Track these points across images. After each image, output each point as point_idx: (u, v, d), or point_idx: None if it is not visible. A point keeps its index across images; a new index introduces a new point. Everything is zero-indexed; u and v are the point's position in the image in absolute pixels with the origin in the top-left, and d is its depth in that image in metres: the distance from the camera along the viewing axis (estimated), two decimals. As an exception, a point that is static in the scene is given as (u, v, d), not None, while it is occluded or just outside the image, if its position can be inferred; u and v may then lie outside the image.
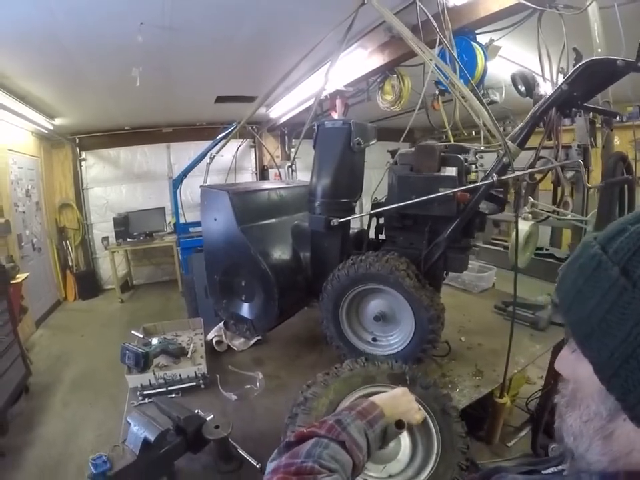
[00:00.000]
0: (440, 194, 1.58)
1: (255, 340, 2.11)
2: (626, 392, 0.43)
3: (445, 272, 1.82)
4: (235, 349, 2.07)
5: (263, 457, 1.22)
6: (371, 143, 1.93)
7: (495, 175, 1.52)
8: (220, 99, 5.22)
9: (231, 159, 5.22)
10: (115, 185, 7.04)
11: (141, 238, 6.67)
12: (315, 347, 2.04)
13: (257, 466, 1.24)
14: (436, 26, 1.89)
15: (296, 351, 2.04)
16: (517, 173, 1.58)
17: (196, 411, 1.36)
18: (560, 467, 0.64)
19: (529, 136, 1.56)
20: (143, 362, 1.70)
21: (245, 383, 1.73)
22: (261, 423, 1.50)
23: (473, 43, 2.71)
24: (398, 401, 0.97)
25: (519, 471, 0.70)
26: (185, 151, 7.02)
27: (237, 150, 5.88)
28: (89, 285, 6.75)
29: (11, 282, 4.21)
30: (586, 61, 1.42)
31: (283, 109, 5.57)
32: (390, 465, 1.04)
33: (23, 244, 5.30)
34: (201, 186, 2.10)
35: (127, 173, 7.11)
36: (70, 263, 6.70)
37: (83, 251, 7.00)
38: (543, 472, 0.66)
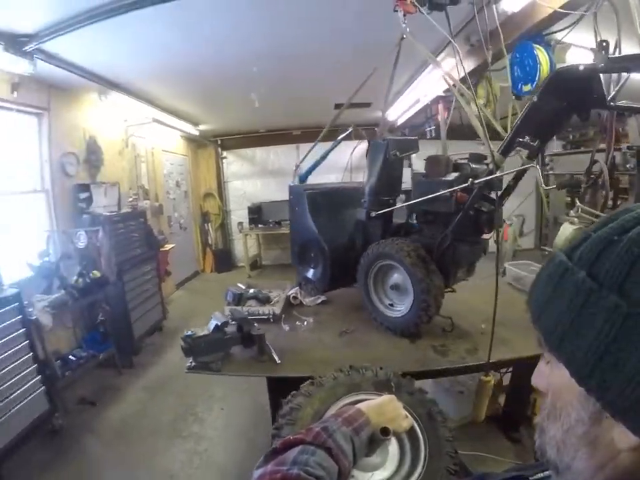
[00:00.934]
0: (437, 194, 2.03)
1: (320, 300, 2.80)
2: (604, 390, 0.42)
3: (460, 264, 2.22)
4: (304, 303, 2.77)
5: (285, 358, 1.99)
6: (409, 153, 2.45)
7: (471, 179, 1.90)
8: (337, 106, 5.94)
9: (348, 159, 5.87)
10: (250, 179, 8.26)
11: (271, 225, 7.76)
12: (358, 310, 2.59)
13: (278, 361, 1.95)
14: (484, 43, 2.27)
15: (343, 313, 2.63)
16: (496, 175, 1.89)
17: (255, 324, 2.10)
18: (547, 473, 0.62)
19: (511, 146, 1.81)
20: (237, 299, 2.63)
21: (298, 322, 2.46)
22: (295, 344, 2.18)
23: (536, 46, 2.83)
24: (384, 408, 0.99)
25: (505, 476, 0.71)
26: (311, 151, 7.89)
27: (353, 151, 6.48)
28: (224, 261, 8.10)
29: (160, 249, 5.48)
30: (552, 72, 1.66)
31: (398, 111, 6.05)
32: (377, 472, 1.04)
33: (172, 223, 6.74)
34: (289, 184, 2.93)
35: (262, 170, 8.29)
36: (210, 242, 8.14)
37: (221, 232, 8.41)
38: (531, 478, 0.67)
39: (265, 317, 2.48)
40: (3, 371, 2.87)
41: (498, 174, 1.93)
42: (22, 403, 2.99)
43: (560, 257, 0.50)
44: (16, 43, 2.94)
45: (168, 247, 5.92)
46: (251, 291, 2.85)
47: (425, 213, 2.23)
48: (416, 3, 2.11)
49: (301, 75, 4.28)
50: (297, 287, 2.86)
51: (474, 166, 2.12)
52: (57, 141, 4.23)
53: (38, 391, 3.18)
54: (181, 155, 7.51)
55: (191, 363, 1.98)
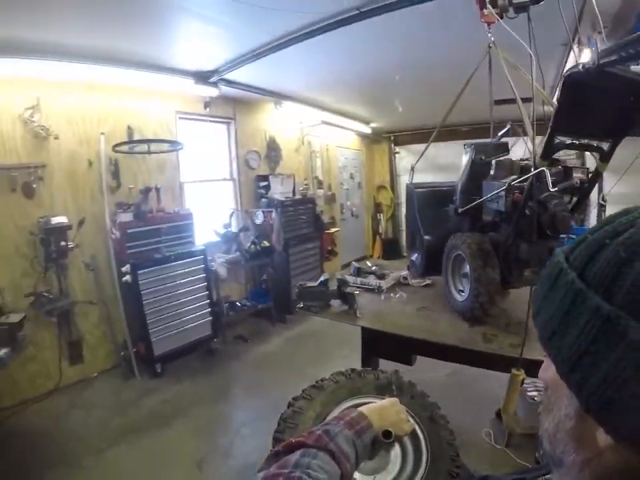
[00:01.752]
0: (492, 194, 2.26)
1: (425, 283, 3.20)
2: (582, 387, 0.44)
3: (526, 263, 2.25)
4: (411, 284, 3.20)
5: (366, 315, 2.53)
6: (497, 157, 2.54)
7: (508, 182, 2.09)
8: (497, 102, 6.05)
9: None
10: (420, 174, 8.66)
11: (442, 219, 8.14)
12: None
13: (358, 315, 2.54)
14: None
15: (435, 295, 2.97)
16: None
17: (356, 292, 2.72)
18: (547, 477, 0.64)
19: (549, 149, 1.86)
20: (357, 271, 3.31)
21: (392, 294, 2.96)
22: (381, 309, 2.70)
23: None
24: (387, 411, 0.99)
25: (508, 479, 0.73)
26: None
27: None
28: (392, 249, 8.77)
29: (325, 231, 6.53)
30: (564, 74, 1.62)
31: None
32: (379, 475, 1.05)
33: (343, 210, 7.76)
34: (406, 183, 3.48)
35: (431, 165, 8.61)
36: (380, 231, 8.92)
37: (392, 222, 9.09)
38: None
39: (372, 288, 3.04)
40: (187, 299, 4.28)
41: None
42: (194, 324, 4.35)
43: (558, 256, 0.51)
44: (203, 77, 4.31)
45: (332, 230, 6.94)
46: (373, 267, 3.48)
47: (497, 212, 2.37)
48: (494, 13, 2.22)
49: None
50: (407, 271, 3.31)
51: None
52: (242, 142, 5.64)
53: (206, 320, 4.49)
54: (355, 150, 8.51)
55: (300, 304, 2.75)
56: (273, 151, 6.20)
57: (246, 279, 5.75)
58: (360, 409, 0.97)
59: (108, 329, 4.18)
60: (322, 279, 2.76)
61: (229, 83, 4.58)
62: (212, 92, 4.62)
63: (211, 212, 5.31)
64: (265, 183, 5.91)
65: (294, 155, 6.59)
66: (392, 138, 8.74)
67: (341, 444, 0.80)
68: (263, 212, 5.70)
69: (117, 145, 3.88)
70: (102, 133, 3.96)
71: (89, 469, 2.72)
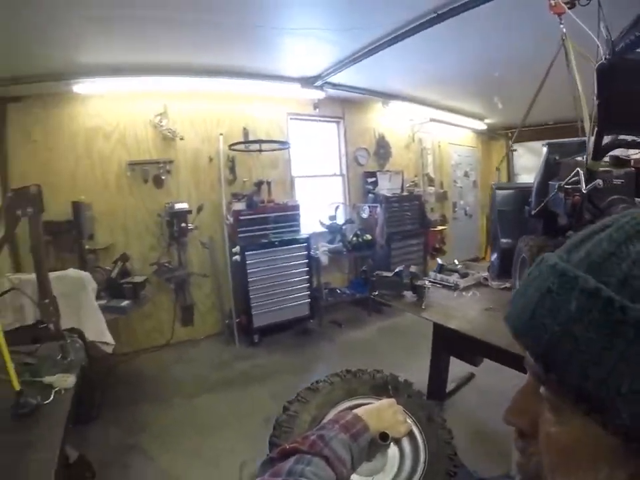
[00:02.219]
0: (550, 196, 2.30)
1: (504, 285, 3.11)
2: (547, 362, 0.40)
3: None
4: (490, 285, 3.18)
5: (432, 308, 2.66)
6: (573, 157, 2.53)
7: (559, 183, 2.13)
8: None
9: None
10: (532, 174, 8.12)
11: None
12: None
13: (423, 307, 2.70)
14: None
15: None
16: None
17: (426, 282, 2.92)
18: None
19: (598, 149, 1.85)
20: (439, 269, 3.40)
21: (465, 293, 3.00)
22: (449, 304, 2.77)
23: None
24: (383, 413, 0.98)
25: None
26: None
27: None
28: (508, 252, 8.36)
29: (431, 228, 6.60)
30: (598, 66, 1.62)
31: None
32: (377, 476, 1.04)
33: (456, 209, 7.67)
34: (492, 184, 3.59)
35: (544, 164, 8.06)
36: (496, 231, 8.56)
37: (509, 224, 8.64)
38: None
39: (449, 285, 3.14)
40: (288, 281, 4.84)
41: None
42: (293, 304, 4.88)
43: (553, 260, 0.44)
44: (308, 82, 4.79)
45: (439, 228, 6.94)
46: (459, 266, 3.53)
47: (569, 215, 2.29)
48: (562, 3, 2.27)
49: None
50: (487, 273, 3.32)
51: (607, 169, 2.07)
52: (351, 140, 6.01)
53: (304, 301, 4.98)
54: (470, 147, 8.26)
55: (375, 292, 3.04)
56: (382, 148, 6.45)
57: (349, 269, 6.12)
58: (356, 411, 0.95)
59: (217, 300, 4.93)
60: (397, 269, 2.94)
61: (334, 85, 4.97)
62: (319, 95, 5.11)
63: (319, 204, 5.76)
64: (373, 179, 6.18)
65: (404, 152, 6.75)
66: (509, 135, 8.31)
67: (336, 449, 0.79)
68: (369, 207, 6.00)
69: (232, 145, 4.57)
70: (220, 134, 4.64)
71: (176, 407, 3.40)
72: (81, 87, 3.97)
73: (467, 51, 4.02)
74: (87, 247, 3.89)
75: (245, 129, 4.92)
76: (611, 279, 0.38)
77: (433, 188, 7.17)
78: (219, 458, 2.67)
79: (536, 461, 0.45)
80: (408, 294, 2.86)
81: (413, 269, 2.98)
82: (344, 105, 5.85)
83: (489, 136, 8.60)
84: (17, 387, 1.54)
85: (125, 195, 4.41)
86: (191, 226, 4.42)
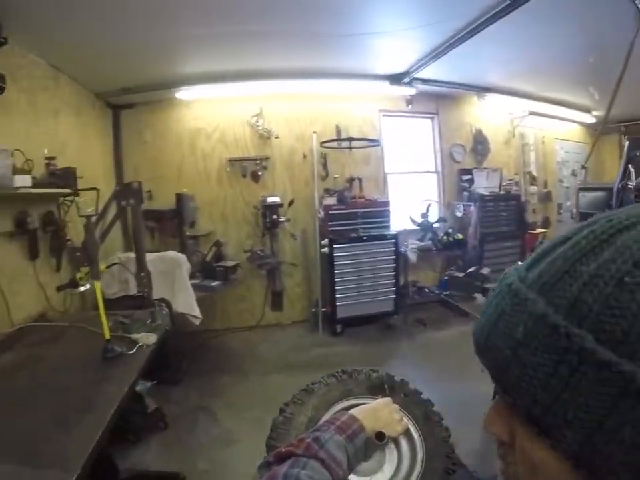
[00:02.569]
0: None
1: None
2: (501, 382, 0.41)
3: None
4: None
5: None
6: None
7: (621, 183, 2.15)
8: None
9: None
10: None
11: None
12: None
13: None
14: None
15: None
16: None
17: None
18: None
19: None
20: None
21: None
22: None
23: None
24: (379, 413, 0.99)
25: None
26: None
27: None
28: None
29: (529, 231, 6.32)
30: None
31: None
32: (375, 476, 1.04)
33: (561, 211, 7.15)
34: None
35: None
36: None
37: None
38: None
39: None
40: (374, 276, 4.95)
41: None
42: (377, 299, 4.97)
43: (512, 279, 0.44)
44: (396, 78, 4.85)
45: (540, 231, 6.55)
46: None
47: None
48: None
49: None
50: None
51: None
52: (446, 136, 5.94)
53: (389, 297, 5.04)
54: (579, 143, 7.60)
55: (447, 291, 3.14)
56: (479, 144, 6.25)
57: (440, 268, 6.03)
58: (351, 411, 0.96)
59: (306, 289, 5.24)
60: (469, 270, 2.92)
61: (424, 81, 4.98)
62: (409, 91, 5.13)
63: (411, 201, 5.77)
64: (468, 177, 6.04)
65: (503, 148, 6.47)
66: (622, 129, 7.43)
67: (332, 450, 0.79)
68: (464, 205, 5.88)
69: (323, 142, 4.81)
70: (314, 132, 4.91)
71: (252, 381, 3.76)
72: (182, 93, 4.55)
73: (555, 36, 3.80)
74: (187, 232, 4.42)
75: (337, 126, 5.11)
76: (561, 301, 0.38)
77: (535, 187, 6.76)
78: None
79: (514, 470, 0.46)
80: (478, 296, 2.81)
81: (485, 270, 2.94)
82: (438, 100, 5.80)
83: (601, 130, 7.85)
84: (107, 336, 2.04)
85: (225, 188, 4.93)
86: (282, 218, 4.73)
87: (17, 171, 2.66)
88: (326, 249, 4.72)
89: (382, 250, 4.96)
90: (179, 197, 4.41)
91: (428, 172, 6.10)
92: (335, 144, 4.94)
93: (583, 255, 0.38)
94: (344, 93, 5.08)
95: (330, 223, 4.85)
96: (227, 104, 4.85)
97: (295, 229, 5.01)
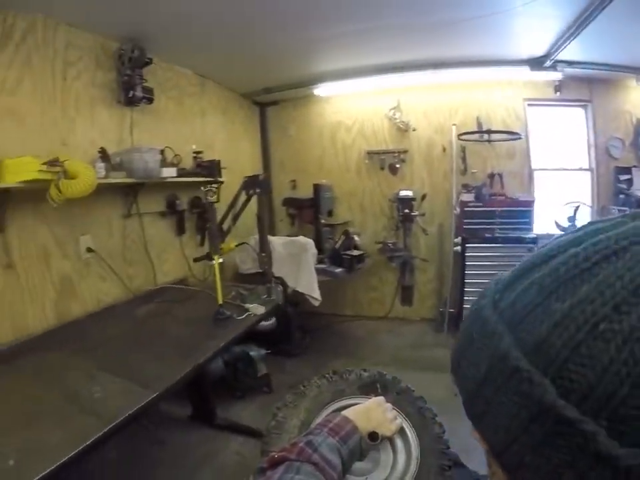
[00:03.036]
0: None
1: None
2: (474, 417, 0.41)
3: None
4: None
5: None
6: None
7: None
8: None
9: None
10: None
11: None
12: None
13: None
14: None
15: None
16: None
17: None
18: None
19: None
20: None
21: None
22: None
23: None
24: (371, 413, 1.01)
25: None
26: None
27: None
28: None
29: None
30: None
31: None
32: (371, 476, 1.04)
33: None
34: None
35: None
36: None
37: None
38: None
39: None
40: None
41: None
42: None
43: (484, 305, 0.43)
44: (536, 62, 4.62)
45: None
46: None
47: None
48: None
49: None
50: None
51: None
52: (601, 127, 5.55)
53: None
54: None
55: None
56: (640, 138, 5.54)
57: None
58: (344, 412, 0.98)
59: (438, 286, 5.38)
60: None
61: (570, 63, 4.62)
62: (554, 75, 4.80)
63: (558, 202, 5.34)
64: (627, 177, 5.45)
65: (672, 143, 5.66)
66: None
67: (325, 454, 0.80)
68: (618, 210, 5.26)
69: (460, 135, 4.88)
70: (453, 124, 5.01)
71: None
72: (319, 90, 5.03)
73: None
74: (323, 220, 4.90)
75: (478, 118, 5.02)
76: (529, 339, 0.35)
77: None
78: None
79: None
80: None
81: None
82: (591, 86, 5.41)
83: None
84: (220, 301, 2.59)
85: (363, 180, 5.32)
86: (415, 212, 4.95)
87: (165, 164, 3.47)
88: (458, 248, 4.72)
89: (518, 254, 4.68)
90: (316, 187, 4.90)
91: (581, 169, 5.51)
92: (475, 137, 4.91)
93: (559, 286, 0.35)
94: (483, 81, 5.03)
95: (465, 221, 4.83)
96: (364, 98, 5.21)
97: (430, 223, 5.18)
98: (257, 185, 2.80)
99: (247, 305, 2.75)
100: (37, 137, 2.64)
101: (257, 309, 2.70)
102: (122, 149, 3.16)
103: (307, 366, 4.01)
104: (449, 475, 1.01)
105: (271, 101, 5.43)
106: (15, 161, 2.23)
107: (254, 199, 2.91)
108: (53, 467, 1.28)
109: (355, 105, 5.24)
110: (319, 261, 4.39)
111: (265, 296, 2.97)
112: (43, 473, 1.25)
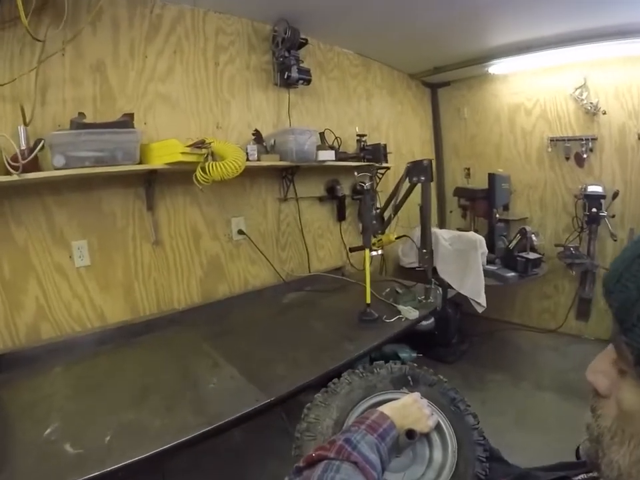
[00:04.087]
0: None
1: None
2: None
3: None
4: None
5: None
6: None
7: None
8: None
9: None
10: None
11: None
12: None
13: None
14: None
15: None
16: None
17: None
18: (590, 475, 0.62)
19: None
20: None
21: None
22: None
23: None
24: (408, 409, 1.00)
25: (549, 477, 0.73)
26: None
27: None
28: None
29: None
30: None
31: None
32: (409, 471, 1.03)
33: None
34: None
35: None
36: None
37: None
38: (574, 478, 0.67)
39: None
40: None
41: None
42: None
43: None
44: None
45: None
46: None
47: None
48: None
49: None
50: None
51: None
52: None
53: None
54: None
55: None
56: None
57: None
58: (381, 408, 0.98)
59: None
60: None
61: None
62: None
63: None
64: None
65: None
66: None
67: (365, 452, 0.78)
68: None
69: None
70: None
71: (520, 389, 3.48)
72: (494, 68, 4.44)
73: None
74: (497, 215, 4.34)
75: None
76: None
77: None
78: (543, 453, 2.47)
79: (600, 424, 0.50)
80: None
81: None
82: None
83: None
84: (367, 300, 2.34)
85: (545, 171, 4.60)
86: (604, 213, 4.17)
87: (324, 147, 3.27)
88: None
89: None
90: (491, 177, 4.36)
91: None
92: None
93: None
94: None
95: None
96: (545, 75, 4.48)
97: (620, 227, 4.32)
98: (421, 171, 2.50)
99: (400, 307, 2.47)
100: (192, 121, 2.71)
101: (410, 313, 2.40)
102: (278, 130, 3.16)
103: (459, 376, 3.67)
104: (487, 466, 0.99)
105: (442, 82, 5.02)
106: (160, 143, 2.27)
107: (417, 188, 2.64)
108: (140, 457, 1.27)
109: (535, 84, 4.53)
110: (489, 261, 3.92)
111: (422, 297, 2.66)
112: (130, 461, 1.25)
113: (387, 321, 2.33)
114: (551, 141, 4.45)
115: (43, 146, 1.89)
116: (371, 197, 2.40)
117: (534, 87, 4.55)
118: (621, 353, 0.45)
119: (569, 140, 4.36)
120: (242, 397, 1.63)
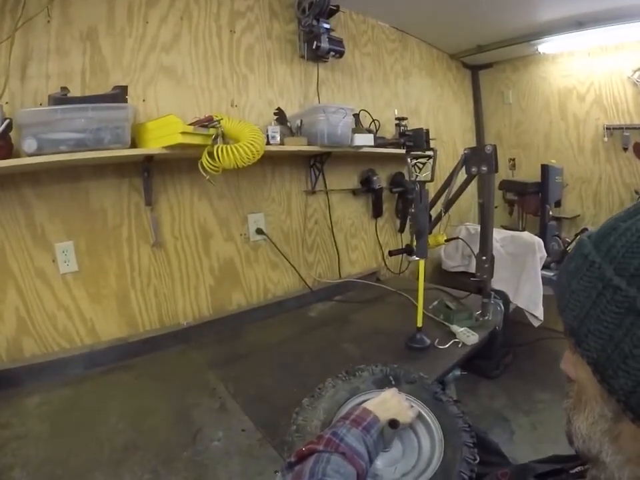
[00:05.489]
0: None
1: None
2: (627, 394, 0.43)
3: None
4: None
5: None
6: None
7: None
8: None
9: None
10: None
11: None
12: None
13: None
14: None
15: None
16: None
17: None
18: (586, 467, 0.64)
19: None
20: None
21: None
22: None
23: None
24: (388, 403, 1.06)
25: (545, 469, 0.75)
26: None
27: None
28: None
29: None
30: None
31: None
32: (400, 463, 1.05)
33: None
34: None
35: None
36: None
37: None
38: (571, 472, 0.70)
39: None
40: None
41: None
42: None
43: (587, 246, 0.52)
44: None
45: None
46: None
47: None
48: None
49: None
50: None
51: None
52: None
53: None
54: None
55: None
56: None
57: None
58: (363, 405, 1.02)
59: None
60: None
61: None
62: None
63: None
64: None
65: None
66: None
67: (351, 443, 0.82)
68: None
69: None
70: None
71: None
72: (544, 46, 3.91)
73: None
74: (550, 213, 3.84)
75: None
76: (603, 247, 0.50)
77: None
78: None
79: (569, 403, 0.59)
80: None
81: None
82: None
83: None
84: (419, 323, 1.85)
85: (600, 163, 4.04)
86: None
87: (359, 130, 2.74)
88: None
89: None
90: (545, 169, 3.82)
91: None
92: None
93: (626, 215, 0.50)
94: None
95: None
96: (601, 56, 3.91)
97: None
98: (482, 160, 1.97)
99: (454, 327, 1.96)
100: (201, 98, 2.26)
101: (467, 337, 1.87)
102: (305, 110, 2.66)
103: (503, 394, 3.21)
104: (475, 451, 1.02)
105: (484, 64, 4.50)
106: (156, 122, 1.80)
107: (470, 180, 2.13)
108: None
109: (588, 66, 3.95)
110: (544, 266, 3.32)
111: (479, 313, 2.14)
112: None
113: (440, 347, 1.84)
114: (607, 129, 3.88)
115: (11, 126, 1.50)
116: (426, 192, 1.87)
117: (587, 68, 3.97)
118: (572, 348, 0.54)
119: (627, 128, 3.79)
120: (257, 464, 1.20)
